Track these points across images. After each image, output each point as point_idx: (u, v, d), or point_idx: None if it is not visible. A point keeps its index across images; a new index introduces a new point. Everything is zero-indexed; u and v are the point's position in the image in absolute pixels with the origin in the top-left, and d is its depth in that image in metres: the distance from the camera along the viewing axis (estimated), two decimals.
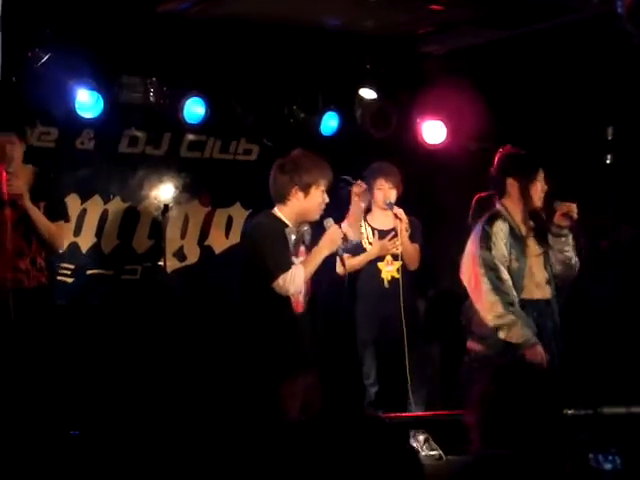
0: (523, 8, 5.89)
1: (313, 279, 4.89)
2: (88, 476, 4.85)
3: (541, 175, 5.14)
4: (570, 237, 5.18)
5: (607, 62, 6.16)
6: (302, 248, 4.89)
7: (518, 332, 4.95)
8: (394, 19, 6.23)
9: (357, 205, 5.30)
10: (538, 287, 5.13)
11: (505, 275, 5.02)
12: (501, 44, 6.50)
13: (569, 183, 5.65)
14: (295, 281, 4.73)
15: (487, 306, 5.03)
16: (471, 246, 5.16)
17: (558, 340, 5.15)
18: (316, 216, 4.88)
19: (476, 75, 6.66)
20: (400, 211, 6.01)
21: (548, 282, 5.16)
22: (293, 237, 4.83)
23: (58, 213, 5.48)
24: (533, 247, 5.16)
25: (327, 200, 4.89)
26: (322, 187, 4.83)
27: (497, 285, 5.00)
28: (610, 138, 6.72)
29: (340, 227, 4.95)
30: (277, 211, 4.86)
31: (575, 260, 5.20)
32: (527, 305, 5.09)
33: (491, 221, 5.12)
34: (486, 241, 5.07)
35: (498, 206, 5.18)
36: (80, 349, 6.12)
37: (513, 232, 5.11)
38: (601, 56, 6.14)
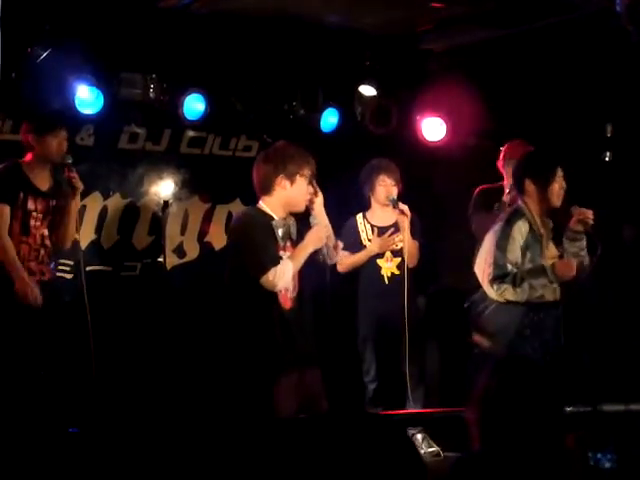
0: (523, 6, 5.89)
1: (301, 275, 4.86)
2: (87, 474, 4.85)
3: (560, 174, 5.12)
4: (584, 241, 5.15)
5: (606, 60, 6.16)
6: (288, 243, 4.86)
7: (535, 278, 5.00)
8: (394, 16, 6.23)
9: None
10: (551, 289, 5.12)
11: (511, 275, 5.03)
12: (501, 41, 6.50)
13: (568, 180, 5.64)
14: (284, 276, 4.68)
15: (506, 296, 5.05)
16: (488, 243, 5.14)
17: (559, 338, 5.15)
18: (302, 206, 4.83)
19: (476, 72, 6.66)
20: (405, 207, 6.00)
21: (560, 284, 5.15)
22: (280, 231, 4.77)
23: None
24: (552, 249, 5.14)
25: (312, 190, 4.85)
26: (307, 176, 4.79)
27: (502, 282, 5.01)
28: (609, 135, 6.72)
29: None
30: (262, 204, 4.81)
31: (587, 262, 5.19)
32: (537, 306, 5.09)
33: (512, 221, 5.09)
34: (503, 242, 5.05)
35: (520, 203, 5.15)
36: (79, 346, 6.12)
37: (533, 232, 5.09)
38: (600, 54, 6.14)
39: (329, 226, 4.98)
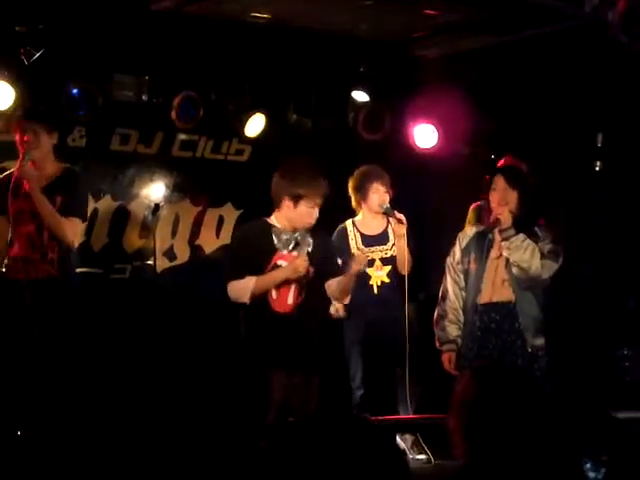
0: (516, 15, 5.90)
1: (309, 285, 4.91)
2: (79, 473, 4.86)
3: (500, 184, 5.13)
4: (525, 243, 5.09)
5: (598, 69, 6.18)
6: (287, 251, 4.90)
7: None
8: (388, 23, 6.23)
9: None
10: (496, 289, 5.15)
11: (450, 280, 5.26)
12: (494, 50, 6.51)
13: (559, 189, 5.66)
14: (239, 292, 4.80)
15: None
16: None
17: (529, 340, 5.14)
18: (305, 226, 4.93)
19: (468, 80, 6.67)
20: (402, 216, 5.94)
21: (510, 284, 5.15)
22: (283, 236, 4.88)
23: (73, 210, 5.45)
24: (495, 250, 5.18)
25: (317, 216, 4.92)
26: (312, 204, 4.86)
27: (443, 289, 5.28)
28: (600, 145, 6.74)
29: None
30: (273, 215, 4.96)
31: (532, 266, 5.08)
32: (486, 308, 5.13)
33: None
34: (452, 247, 5.30)
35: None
36: (68, 348, 6.10)
37: (480, 235, 5.20)
38: (592, 63, 6.16)
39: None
